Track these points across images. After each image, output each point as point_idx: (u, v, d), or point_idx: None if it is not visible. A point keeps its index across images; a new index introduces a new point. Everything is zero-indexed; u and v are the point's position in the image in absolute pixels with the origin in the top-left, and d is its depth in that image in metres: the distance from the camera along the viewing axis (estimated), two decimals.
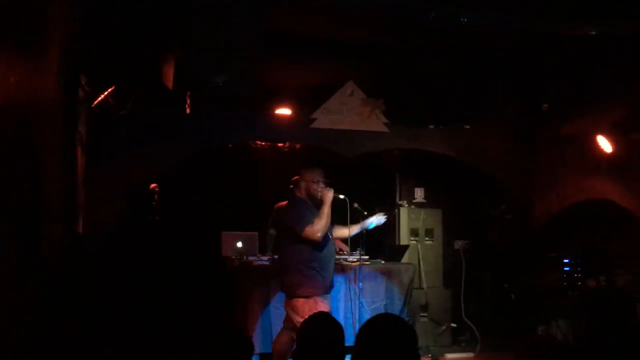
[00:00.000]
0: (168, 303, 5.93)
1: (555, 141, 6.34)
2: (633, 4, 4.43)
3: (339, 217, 4.76)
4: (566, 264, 6.17)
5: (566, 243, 6.38)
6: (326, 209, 4.44)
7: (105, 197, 5.29)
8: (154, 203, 5.23)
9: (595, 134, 5.61)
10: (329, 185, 4.61)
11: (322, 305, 4.39)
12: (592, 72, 5.69)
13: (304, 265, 4.43)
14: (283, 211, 4.70)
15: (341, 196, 4.62)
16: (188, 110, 5.04)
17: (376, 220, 5.01)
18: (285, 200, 6.36)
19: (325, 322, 2.62)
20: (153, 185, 5.33)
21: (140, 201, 5.47)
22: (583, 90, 5.87)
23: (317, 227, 4.36)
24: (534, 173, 6.70)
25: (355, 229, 4.92)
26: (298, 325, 4.47)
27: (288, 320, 4.57)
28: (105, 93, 5.00)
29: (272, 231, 6.27)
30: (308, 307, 4.36)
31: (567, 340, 4.98)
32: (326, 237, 4.52)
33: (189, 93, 4.96)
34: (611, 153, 5.56)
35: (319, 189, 4.55)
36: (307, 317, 4.32)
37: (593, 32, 4.65)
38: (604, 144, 5.58)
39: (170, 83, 4.66)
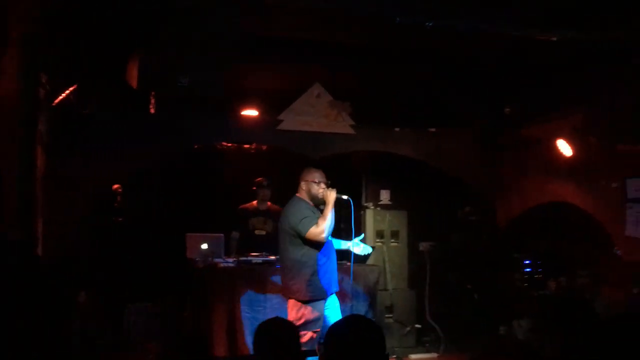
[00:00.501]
0: (131, 305, 5.86)
1: (518, 145, 6.47)
2: (592, 14, 4.57)
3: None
4: (528, 265, 6.30)
5: (528, 244, 6.51)
6: (329, 210, 4.43)
7: (66, 197, 5.17)
8: (116, 204, 5.14)
9: (556, 138, 5.74)
10: (330, 185, 4.61)
11: (309, 312, 4.35)
12: (554, 77, 5.83)
13: (305, 268, 4.41)
14: (284, 212, 4.63)
15: (344, 197, 4.59)
16: (152, 110, 4.96)
17: (362, 249, 4.91)
18: (250, 202, 6.38)
19: (279, 326, 2.59)
20: (116, 186, 5.25)
21: (102, 202, 5.37)
22: (545, 95, 6.01)
23: (322, 228, 4.34)
24: (497, 176, 6.82)
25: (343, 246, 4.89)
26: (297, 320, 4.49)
27: None
28: (67, 92, 4.90)
29: (235, 234, 6.26)
30: (296, 309, 4.39)
31: (528, 340, 5.06)
32: (328, 240, 4.49)
33: (153, 93, 4.88)
34: (571, 156, 5.68)
35: (321, 190, 4.54)
36: (293, 319, 4.39)
37: (554, 39, 4.76)
38: (564, 148, 5.71)
39: (134, 82, 4.58)
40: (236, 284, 5.26)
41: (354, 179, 7.19)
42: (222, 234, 5.57)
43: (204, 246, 5.42)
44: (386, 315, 6.37)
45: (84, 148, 5.33)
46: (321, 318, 4.41)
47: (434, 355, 6.26)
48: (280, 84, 6.58)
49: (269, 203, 6.42)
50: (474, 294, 6.62)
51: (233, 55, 4.39)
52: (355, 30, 5.42)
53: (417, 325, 6.53)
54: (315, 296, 4.40)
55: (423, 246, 6.83)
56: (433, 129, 6.78)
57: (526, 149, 6.39)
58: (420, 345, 6.49)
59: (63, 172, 5.12)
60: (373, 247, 6.38)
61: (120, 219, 5.21)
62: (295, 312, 4.41)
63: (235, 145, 7.02)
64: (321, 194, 4.54)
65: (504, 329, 5.79)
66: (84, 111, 5.15)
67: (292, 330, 2.56)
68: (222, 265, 5.36)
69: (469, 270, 6.74)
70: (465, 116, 6.63)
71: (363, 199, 6.97)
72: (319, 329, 4.39)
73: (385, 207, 6.89)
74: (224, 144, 6.93)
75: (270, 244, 6.27)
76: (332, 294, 4.55)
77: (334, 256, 4.63)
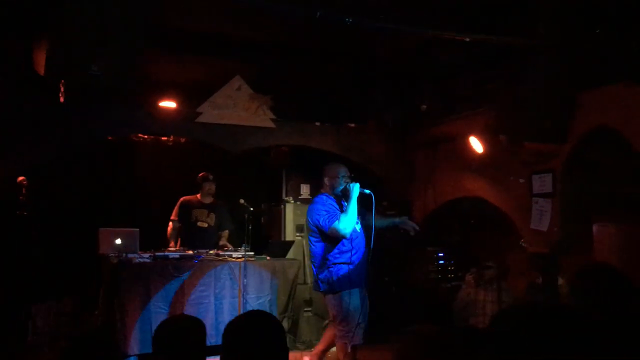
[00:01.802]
0: (37, 304, 5.59)
1: (432, 141, 6.68)
2: (501, 19, 4.81)
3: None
4: (441, 258, 6.53)
5: (442, 238, 6.75)
6: (352, 204, 4.42)
7: None
8: (21, 197, 4.87)
9: (469, 135, 5.96)
10: (354, 180, 4.58)
11: (352, 300, 4.38)
12: (466, 76, 6.07)
13: (331, 261, 4.44)
14: (309, 208, 4.61)
15: (367, 191, 4.52)
16: (62, 99, 4.72)
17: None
18: (189, 195, 6.25)
19: (181, 324, 2.53)
20: (21, 178, 4.97)
21: (6, 195, 5.08)
22: (457, 93, 6.24)
23: (344, 224, 4.36)
24: (412, 171, 7.02)
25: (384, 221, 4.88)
26: (333, 318, 4.57)
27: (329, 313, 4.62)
28: None
29: (177, 224, 6.14)
30: (338, 301, 4.41)
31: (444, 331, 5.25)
32: (354, 232, 4.49)
33: (63, 81, 4.65)
34: (482, 153, 5.93)
35: (343, 184, 4.53)
36: (332, 312, 4.46)
37: (467, 39, 4.95)
38: (476, 145, 5.94)
39: (42, 70, 4.35)
40: (151, 280, 5.12)
41: (274, 173, 7.19)
42: (137, 229, 5.40)
43: (118, 241, 5.23)
44: (305, 309, 6.40)
45: None
46: (357, 309, 4.40)
47: None
48: (200, 77, 6.48)
49: (212, 198, 6.30)
50: (392, 286, 6.79)
51: (149, 46, 4.24)
52: (275, 25, 5.43)
53: None
54: (341, 288, 4.42)
55: None
56: (352, 125, 6.88)
57: (439, 146, 6.62)
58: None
59: None
60: (293, 241, 6.41)
61: (25, 213, 4.93)
62: (330, 304, 4.49)
63: (152, 137, 6.83)
64: (343, 187, 4.54)
65: (419, 321, 5.97)
66: None
67: (195, 328, 2.49)
68: (137, 260, 5.21)
69: (386, 264, 6.90)
70: (381, 114, 6.78)
71: (283, 193, 6.99)
72: (359, 321, 4.37)
73: (305, 201, 6.92)
74: (140, 135, 6.72)
75: (211, 237, 6.21)
76: (359, 287, 4.51)
77: (362, 249, 4.57)
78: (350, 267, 4.48)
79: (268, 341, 1.97)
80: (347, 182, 4.56)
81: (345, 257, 4.47)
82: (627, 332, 2.11)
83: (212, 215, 6.24)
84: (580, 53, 4.69)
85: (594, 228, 5.01)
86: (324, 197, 4.60)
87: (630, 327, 2.19)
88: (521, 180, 5.53)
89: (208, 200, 6.27)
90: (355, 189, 4.49)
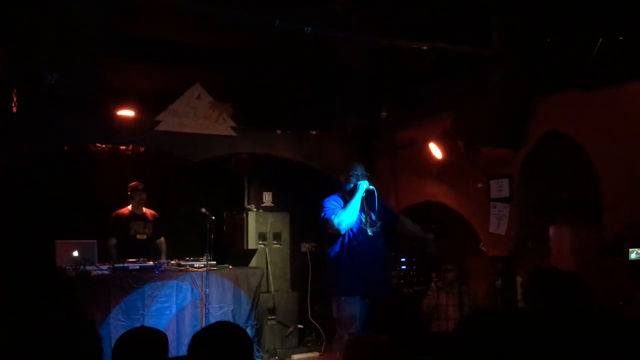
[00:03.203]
0: None
1: (393, 148, 6.76)
2: (458, 28, 4.92)
3: None
4: (403, 263, 6.59)
5: (403, 243, 6.80)
6: (353, 201, 4.38)
7: None
8: None
9: (428, 141, 6.05)
10: (367, 177, 4.54)
11: (347, 307, 4.28)
12: (425, 83, 6.17)
13: (334, 262, 4.40)
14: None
15: (371, 187, 4.50)
16: (15, 109, 4.60)
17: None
18: (119, 209, 6.16)
19: (143, 335, 2.50)
20: None
21: None
22: (417, 100, 6.34)
23: (339, 219, 4.31)
24: (374, 178, 7.07)
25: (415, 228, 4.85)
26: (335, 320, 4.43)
27: None
28: None
29: (113, 240, 6.02)
30: (337, 306, 4.34)
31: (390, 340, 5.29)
32: (362, 234, 4.43)
33: (15, 91, 4.53)
34: (441, 159, 6.02)
35: (354, 181, 4.50)
36: (335, 315, 4.34)
37: (425, 48, 5.04)
38: (435, 151, 6.04)
39: None
40: (111, 292, 5.01)
41: (236, 182, 7.15)
42: (94, 240, 5.30)
43: (75, 253, 5.12)
44: (269, 317, 6.38)
45: None
46: (353, 318, 4.28)
47: (316, 354, 6.39)
48: (160, 85, 6.41)
49: (144, 208, 6.24)
50: None
51: (105, 54, 4.17)
52: (235, 34, 5.42)
53: (300, 326, 6.61)
54: (342, 292, 4.34)
55: (305, 247, 6.94)
56: (314, 132, 6.91)
57: (399, 152, 6.69)
58: (302, 345, 6.58)
59: None
60: (255, 250, 6.38)
61: None
62: (335, 309, 4.40)
63: (110, 146, 6.70)
64: (352, 184, 4.52)
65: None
66: None
67: (157, 340, 2.46)
68: (95, 272, 5.10)
69: None
70: (342, 121, 6.82)
71: (245, 201, 6.96)
72: (352, 331, 4.24)
73: (267, 209, 6.92)
74: (98, 145, 6.59)
75: (151, 248, 6.14)
76: (360, 294, 4.35)
77: (371, 254, 4.46)
78: (356, 271, 4.37)
79: (235, 353, 1.96)
80: (357, 180, 4.53)
81: (347, 259, 4.39)
82: (576, 332, 2.17)
83: (149, 226, 6.23)
84: (533, 61, 4.83)
85: (551, 231, 5.16)
86: (332, 196, 4.59)
87: (579, 327, 2.26)
88: (479, 185, 5.64)
89: (140, 211, 6.23)
90: (361, 187, 4.47)
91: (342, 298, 4.35)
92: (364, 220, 4.54)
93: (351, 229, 4.44)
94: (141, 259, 5.53)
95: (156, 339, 2.46)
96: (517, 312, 1.75)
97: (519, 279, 5.25)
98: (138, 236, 6.15)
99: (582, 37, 4.49)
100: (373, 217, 4.60)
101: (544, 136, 5.01)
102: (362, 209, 4.52)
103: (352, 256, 4.41)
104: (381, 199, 4.68)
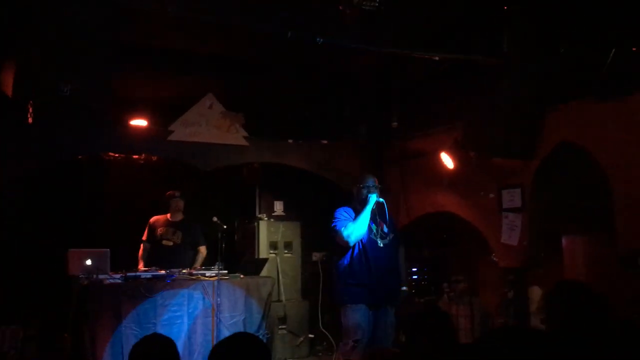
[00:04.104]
0: (5, 326, 5.47)
1: (404, 157, 6.75)
2: (468, 37, 4.92)
3: None
4: (414, 273, 6.58)
5: (415, 253, 6.79)
6: (363, 213, 4.41)
7: None
8: None
9: (439, 151, 6.04)
10: (379, 189, 4.57)
11: (353, 315, 4.32)
12: (437, 93, 6.16)
13: (342, 271, 4.44)
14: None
15: (381, 199, 4.54)
16: (30, 120, 4.66)
17: None
18: (159, 215, 6.20)
19: (156, 344, 2.52)
20: None
21: None
22: (429, 110, 6.33)
23: (348, 231, 4.35)
24: (385, 187, 7.06)
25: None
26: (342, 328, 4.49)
27: None
28: None
29: (147, 244, 6.07)
30: (343, 315, 4.40)
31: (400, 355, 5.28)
32: (373, 244, 4.45)
33: (31, 102, 4.59)
34: (453, 169, 6.00)
35: (365, 193, 4.52)
36: (342, 323, 4.41)
37: (437, 58, 5.05)
38: (447, 160, 6.02)
39: (9, 90, 4.29)
40: (122, 301, 5.04)
41: (247, 191, 7.18)
42: (107, 249, 5.33)
43: (88, 262, 5.15)
44: (280, 327, 6.39)
45: None
46: (358, 326, 4.32)
47: None
48: (172, 95, 6.47)
49: (183, 216, 6.25)
50: None
51: (118, 65, 4.23)
52: (246, 43, 5.46)
53: (310, 335, 6.61)
54: (348, 301, 4.39)
55: (316, 256, 6.94)
56: (325, 141, 6.92)
57: (412, 161, 6.68)
58: (313, 355, 6.58)
59: None
60: (267, 259, 6.39)
61: None
62: (342, 317, 4.45)
63: (123, 155, 6.76)
64: (364, 197, 4.52)
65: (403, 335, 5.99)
66: None
67: (168, 349, 2.48)
68: (108, 281, 5.13)
69: None
70: (352, 130, 6.84)
71: (257, 210, 6.97)
72: (357, 338, 4.30)
73: (278, 218, 6.93)
74: (111, 154, 6.65)
75: (178, 255, 6.11)
76: (367, 304, 4.38)
77: (382, 265, 4.48)
78: (364, 281, 4.39)
79: None
80: (369, 193, 4.53)
81: (353, 270, 4.41)
82: (595, 346, 2.16)
83: (179, 233, 6.17)
84: (544, 71, 4.81)
85: (563, 241, 5.11)
86: (342, 208, 4.59)
87: (597, 340, 2.24)
88: (491, 196, 5.62)
89: (177, 217, 6.23)
90: (372, 199, 4.48)
91: (348, 306, 4.40)
92: (374, 231, 4.55)
93: (361, 240, 4.46)
94: (153, 267, 5.56)
95: (168, 347, 2.49)
96: (538, 331, 1.74)
97: (532, 291, 5.20)
98: (164, 242, 6.13)
99: (595, 47, 4.48)
100: (385, 229, 4.61)
101: (556, 146, 4.99)
102: (373, 220, 4.53)
103: (360, 266, 4.43)
104: (391, 216, 4.69)
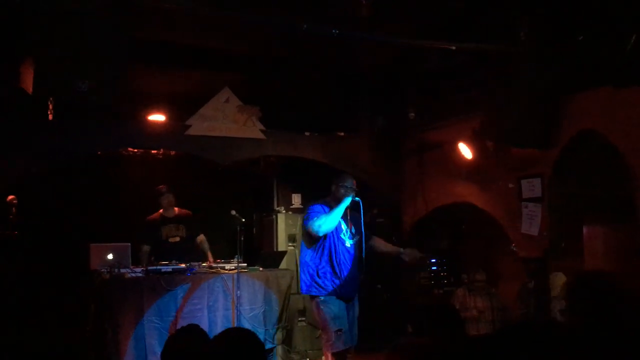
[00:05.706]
0: (33, 322, 5.56)
1: (421, 148, 6.72)
2: (487, 30, 4.88)
3: None
4: (433, 264, 6.56)
5: (433, 244, 6.77)
6: (337, 208, 4.60)
7: None
8: (11, 217, 4.84)
9: (457, 141, 6.00)
10: (354, 191, 4.75)
11: (327, 307, 4.54)
12: (453, 83, 6.12)
13: (311, 264, 4.66)
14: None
15: (356, 198, 4.72)
16: (50, 117, 4.72)
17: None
18: (152, 214, 6.26)
19: (190, 334, 2.55)
20: (10, 197, 4.95)
21: None
22: (445, 100, 6.28)
23: (320, 222, 4.54)
24: (402, 179, 7.05)
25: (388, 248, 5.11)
26: (317, 323, 4.81)
27: None
28: None
29: (146, 247, 6.11)
30: (317, 309, 4.64)
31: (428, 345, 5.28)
32: (341, 243, 4.68)
33: (51, 98, 4.65)
34: (471, 159, 5.96)
35: (342, 193, 4.69)
36: (317, 317, 4.68)
37: (454, 48, 5.00)
38: (465, 151, 5.98)
39: (29, 87, 4.34)
40: (144, 295, 5.11)
41: (264, 184, 7.20)
42: (128, 243, 5.40)
43: (110, 256, 5.23)
44: (299, 319, 6.40)
45: None
46: (337, 316, 4.55)
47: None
48: (189, 89, 6.50)
49: (176, 209, 6.32)
50: (384, 293, 6.80)
51: (134, 61, 4.26)
52: (261, 37, 5.46)
53: None
54: (316, 292, 4.61)
55: None
56: (341, 134, 6.91)
57: (429, 152, 6.65)
58: None
59: None
60: (285, 251, 6.42)
61: (15, 233, 4.89)
62: (313, 308, 4.75)
63: (142, 150, 6.82)
64: (342, 196, 4.70)
65: (410, 328, 5.99)
66: None
67: (204, 337, 2.51)
68: (129, 275, 5.20)
69: (378, 271, 6.91)
70: (369, 122, 6.82)
71: (274, 203, 6.99)
72: (339, 328, 4.52)
73: (296, 211, 6.94)
74: (130, 149, 6.71)
75: (188, 249, 6.21)
76: (339, 297, 4.62)
77: (350, 266, 4.72)
78: (331, 277, 4.63)
79: (250, 357, 1.99)
80: (346, 194, 4.71)
81: (321, 264, 4.63)
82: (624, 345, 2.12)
83: (182, 227, 6.27)
84: (562, 58, 4.75)
85: (584, 230, 5.05)
86: (318, 204, 4.76)
87: (620, 334, 2.20)
88: (510, 186, 5.57)
89: (171, 213, 6.29)
90: (347, 199, 4.67)
91: (320, 298, 4.61)
92: (344, 230, 4.77)
93: (333, 237, 4.67)
94: (173, 261, 5.62)
95: (203, 337, 2.52)
96: (557, 326, 1.72)
97: (556, 276, 5.13)
98: (171, 239, 6.22)
99: (615, 33, 4.40)
100: (353, 229, 4.83)
101: (576, 135, 4.93)
102: (345, 219, 4.76)
103: (328, 262, 4.66)
104: (368, 212, 4.94)
